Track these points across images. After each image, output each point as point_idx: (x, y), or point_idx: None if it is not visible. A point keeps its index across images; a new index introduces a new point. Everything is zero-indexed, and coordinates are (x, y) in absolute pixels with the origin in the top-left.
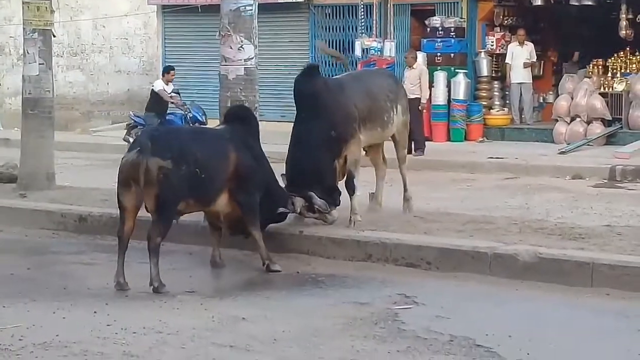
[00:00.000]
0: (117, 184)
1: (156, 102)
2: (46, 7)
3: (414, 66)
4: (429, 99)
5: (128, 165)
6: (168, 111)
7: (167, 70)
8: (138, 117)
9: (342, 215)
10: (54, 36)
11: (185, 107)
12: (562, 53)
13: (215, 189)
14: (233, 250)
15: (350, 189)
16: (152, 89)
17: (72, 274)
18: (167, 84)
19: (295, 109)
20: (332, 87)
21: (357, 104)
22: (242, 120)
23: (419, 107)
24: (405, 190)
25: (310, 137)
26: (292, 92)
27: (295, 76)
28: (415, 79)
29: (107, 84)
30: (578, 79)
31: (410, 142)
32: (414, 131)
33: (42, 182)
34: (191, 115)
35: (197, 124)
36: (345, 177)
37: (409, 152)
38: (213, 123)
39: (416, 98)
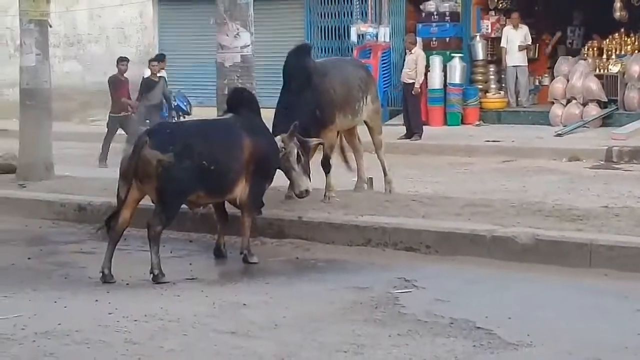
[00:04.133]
0: (118, 176)
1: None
2: None
3: (413, 51)
4: (425, 84)
5: (127, 159)
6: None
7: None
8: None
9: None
10: (50, 27)
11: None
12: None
13: (230, 180)
14: (233, 237)
15: (327, 167)
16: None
17: (73, 263)
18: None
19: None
20: (319, 70)
21: (336, 90)
22: (245, 104)
23: (412, 92)
24: (385, 174)
25: (298, 106)
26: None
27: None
28: (412, 63)
29: (104, 73)
30: (574, 61)
31: (408, 127)
32: (412, 116)
33: (41, 172)
34: (175, 104)
35: (180, 114)
36: (322, 157)
37: (408, 137)
38: (209, 110)
39: (412, 82)
